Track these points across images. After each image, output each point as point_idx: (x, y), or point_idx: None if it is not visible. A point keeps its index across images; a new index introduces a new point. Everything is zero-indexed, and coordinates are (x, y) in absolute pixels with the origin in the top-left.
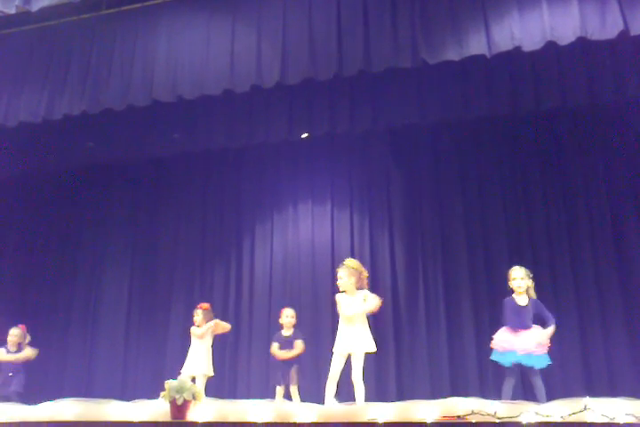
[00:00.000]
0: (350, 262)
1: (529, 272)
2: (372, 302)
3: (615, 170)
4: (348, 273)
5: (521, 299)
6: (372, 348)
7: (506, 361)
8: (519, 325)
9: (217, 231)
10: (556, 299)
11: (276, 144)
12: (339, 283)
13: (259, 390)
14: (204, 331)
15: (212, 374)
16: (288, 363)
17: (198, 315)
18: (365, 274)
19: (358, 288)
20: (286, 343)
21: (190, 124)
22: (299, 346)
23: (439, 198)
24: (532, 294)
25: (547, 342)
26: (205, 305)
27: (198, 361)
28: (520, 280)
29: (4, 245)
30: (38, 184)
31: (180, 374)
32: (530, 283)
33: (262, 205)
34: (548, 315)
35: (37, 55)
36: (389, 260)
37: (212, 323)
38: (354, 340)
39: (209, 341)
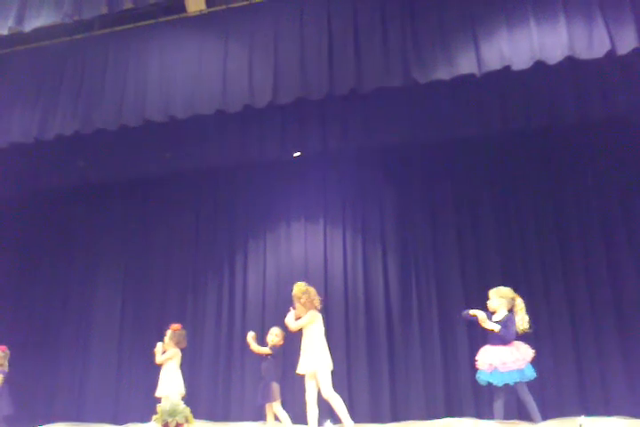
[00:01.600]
0: (294, 290)
1: (506, 293)
2: (297, 321)
3: (605, 186)
4: (295, 300)
5: (496, 316)
6: (320, 366)
7: (489, 380)
8: (496, 341)
9: (209, 250)
10: (549, 316)
11: (269, 163)
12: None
13: (252, 411)
14: (162, 360)
15: (181, 393)
16: (263, 379)
17: (167, 335)
18: (307, 297)
19: (314, 309)
20: (266, 359)
21: (182, 143)
22: (264, 349)
23: (432, 216)
24: (518, 311)
25: (526, 355)
26: (175, 326)
27: (165, 383)
28: (488, 301)
29: None
30: (30, 204)
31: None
32: (504, 302)
33: (255, 224)
34: (504, 328)
35: (30, 76)
36: (382, 277)
37: (170, 353)
38: (304, 360)
39: (175, 361)
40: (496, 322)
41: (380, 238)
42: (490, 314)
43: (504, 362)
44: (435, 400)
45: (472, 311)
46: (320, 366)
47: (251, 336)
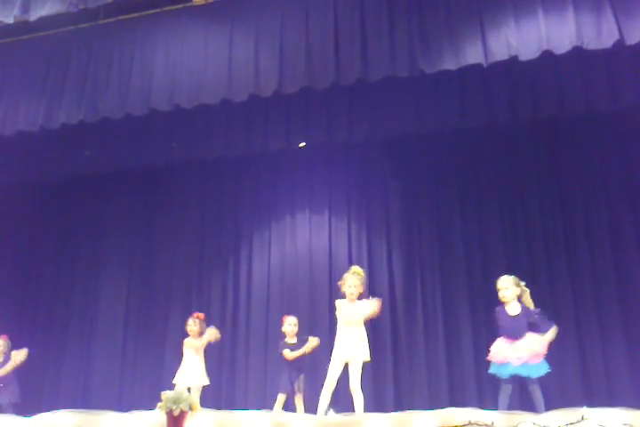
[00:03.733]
0: (360, 270)
1: (517, 281)
2: (373, 305)
3: (613, 178)
4: (360, 282)
5: (511, 308)
6: (367, 357)
7: (503, 373)
8: (512, 334)
9: (215, 241)
10: (554, 308)
11: (274, 153)
12: (351, 291)
13: (256, 399)
14: (204, 344)
15: (207, 383)
16: (298, 370)
17: (196, 324)
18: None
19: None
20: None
21: (188, 133)
22: (312, 341)
23: (437, 208)
24: (528, 301)
25: (543, 350)
26: (202, 315)
27: (193, 372)
28: (504, 290)
29: (0, 254)
30: (35, 193)
31: (174, 385)
32: (518, 292)
33: (260, 215)
34: (545, 322)
35: (35, 65)
36: (387, 269)
37: (210, 336)
38: (352, 347)
39: (202, 351)
40: (516, 316)
41: (384, 230)
42: (502, 305)
43: (514, 356)
44: (438, 391)
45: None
46: (356, 357)
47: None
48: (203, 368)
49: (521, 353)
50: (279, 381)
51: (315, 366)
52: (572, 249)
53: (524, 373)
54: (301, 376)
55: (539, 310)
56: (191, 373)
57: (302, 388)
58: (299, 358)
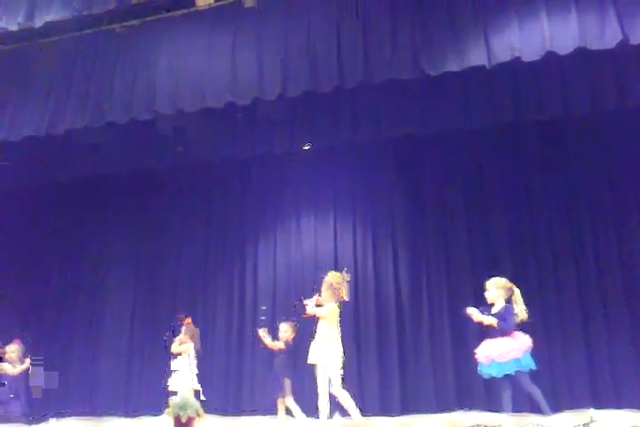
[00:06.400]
0: (328, 277)
1: (503, 283)
2: (318, 309)
3: (618, 177)
4: (325, 287)
5: (494, 308)
6: (327, 360)
7: (484, 373)
8: (493, 333)
9: (220, 244)
10: (561, 311)
11: (279, 156)
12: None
13: (263, 404)
14: (179, 350)
15: (195, 388)
16: (280, 374)
17: (181, 330)
18: (344, 287)
19: (336, 301)
20: (279, 355)
21: (192, 137)
22: (278, 344)
23: (442, 209)
24: (517, 301)
25: (504, 348)
26: (188, 320)
27: (180, 377)
28: (485, 292)
29: (6, 257)
30: (42, 197)
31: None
32: (501, 292)
33: (265, 218)
34: (501, 319)
35: (40, 70)
36: (392, 272)
37: (185, 346)
38: (315, 350)
39: (191, 355)
40: (493, 314)
41: (390, 233)
42: (489, 306)
43: (500, 353)
44: (445, 393)
45: (468, 310)
46: (331, 361)
47: (263, 331)
48: (187, 373)
49: (501, 349)
50: (269, 386)
51: None
52: (578, 250)
53: (507, 369)
54: (283, 379)
55: (504, 307)
56: (177, 377)
57: (284, 391)
58: (277, 364)
